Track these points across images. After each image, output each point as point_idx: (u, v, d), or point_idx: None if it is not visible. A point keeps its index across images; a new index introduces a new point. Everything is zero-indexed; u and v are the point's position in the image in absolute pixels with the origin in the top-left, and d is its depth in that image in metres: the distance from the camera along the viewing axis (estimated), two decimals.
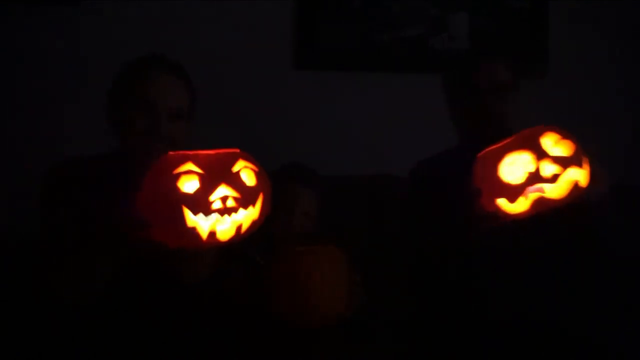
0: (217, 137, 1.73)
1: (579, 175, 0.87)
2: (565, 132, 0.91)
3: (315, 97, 1.81)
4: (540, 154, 0.87)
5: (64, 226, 1.06)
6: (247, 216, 0.82)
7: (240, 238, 0.82)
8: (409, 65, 1.86)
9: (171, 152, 0.86)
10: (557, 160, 0.87)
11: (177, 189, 0.78)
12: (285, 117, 1.77)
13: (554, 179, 0.86)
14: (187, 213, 0.77)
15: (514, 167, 0.88)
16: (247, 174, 0.83)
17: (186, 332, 1.02)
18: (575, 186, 0.87)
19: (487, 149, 0.93)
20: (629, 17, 1.90)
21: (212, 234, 0.79)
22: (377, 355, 1.04)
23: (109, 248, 0.90)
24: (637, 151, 1.86)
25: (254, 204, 0.82)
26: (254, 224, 0.83)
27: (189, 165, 0.80)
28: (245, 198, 0.80)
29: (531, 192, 0.87)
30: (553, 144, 0.89)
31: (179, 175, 0.79)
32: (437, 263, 1.12)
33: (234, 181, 0.81)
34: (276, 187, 1.27)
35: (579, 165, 0.88)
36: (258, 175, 0.84)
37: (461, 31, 1.86)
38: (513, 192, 0.87)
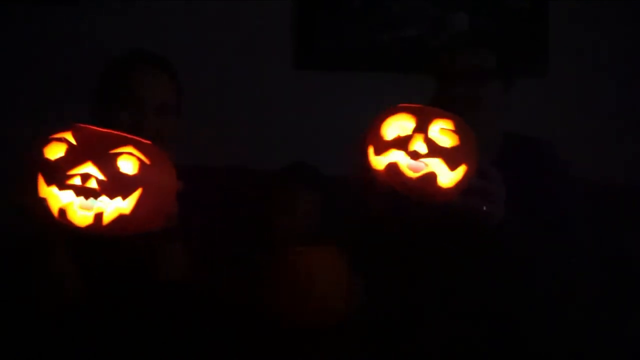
0: (217, 137, 1.74)
1: (440, 170, 0.81)
2: (463, 131, 0.84)
3: (315, 97, 1.81)
4: (421, 129, 0.82)
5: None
6: (113, 208, 0.72)
7: (104, 231, 0.73)
8: (409, 65, 1.85)
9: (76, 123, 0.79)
10: (430, 143, 0.81)
11: (40, 153, 0.72)
12: (285, 117, 1.78)
13: (414, 155, 0.81)
14: (41, 181, 0.71)
15: (397, 126, 0.86)
16: (129, 161, 0.74)
17: (178, 332, 1.02)
18: (431, 178, 0.80)
19: (398, 105, 0.91)
20: (629, 17, 1.90)
21: (62, 212, 0.71)
22: (377, 355, 1.04)
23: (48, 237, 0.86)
24: (637, 151, 1.86)
25: (124, 196, 0.72)
26: (122, 219, 0.73)
27: (66, 134, 0.74)
28: (114, 185, 0.71)
29: (391, 156, 0.84)
30: (441, 130, 0.83)
31: (50, 140, 0.73)
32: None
33: (107, 163, 0.72)
34: (277, 187, 1.27)
35: (452, 166, 0.81)
36: (144, 167, 0.74)
37: (461, 31, 1.86)
38: (380, 146, 0.85)
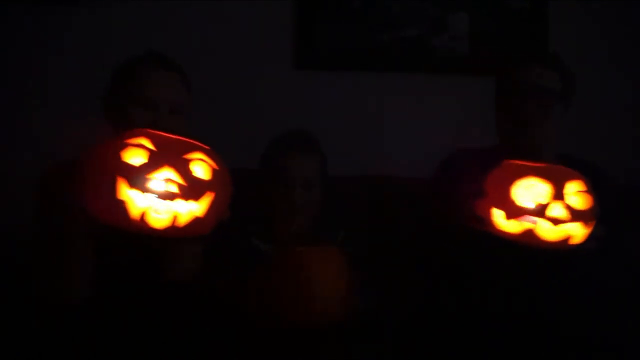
0: (217, 137, 1.74)
1: (578, 232, 0.87)
2: (590, 188, 0.90)
3: (315, 97, 1.81)
4: (558, 194, 0.87)
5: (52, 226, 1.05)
6: (188, 210, 0.76)
7: (178, 233, 0.77)
8: (409, 65, 1.86)
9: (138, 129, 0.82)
10: (570, 208, 0.86)
11: (118, 157, 0.74)
12: (285, 117, 1.77)
13: (555, 222, 0.86)
14: (122, 184, 0.73)
15: (528, 190, 0.87)
16: (202, 167, 0.79)
17: (179, 332, 1.02)
18: (566, 240, 0.87)
19: (517, 161, 0.93)
20: (629, 17, 1.90)
21: (143, 216, 0.74)
22: (377, 355, 1.04)
23: (81, 234, 0.88)
24: (637, 151, 1.86)
25: (197, 199, 0.77)
26: (195, 221, 0.77)
27: (143, 140, 0.77)
28: (190, 189, 0.75)
29: (527, 221, 0.87)
30: (575, 191, 0.89)
31: (127, 145, 0.76)
32: (445, 263, 1.13)
33: (182, 168, 0.76)
34: (270, 161, 1.25)
35: (585, 223, 0.87)
36: (215, 173, 0.79)
37: (461, 31, 1.86)
38: (513, 211, 0.87)
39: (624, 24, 1.90)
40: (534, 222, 0.87)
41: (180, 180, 0.75)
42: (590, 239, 0.89)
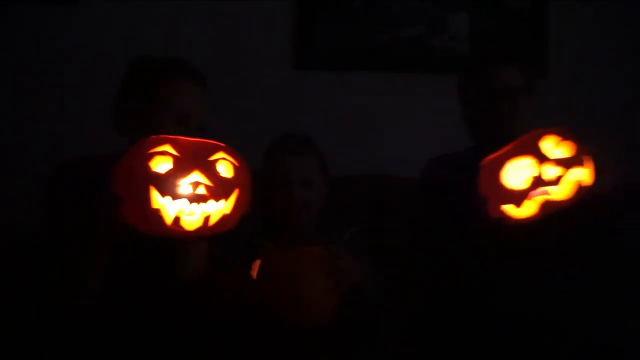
0: (217, 137, 1.74)
1: (583, 174, 0.88)
2: (564, 133, 0.91)
3: (315, 97, 1.81)
4: (542, 158, 0.88)
5: (69, 226, 1.05)
6: (218, 209, 0.79)
7: (209, 232, 0.80)
8: (409, 65, 1.86)
9: (153, 136, 0.83)
10: (559, 162, 0.88)
11: (147, 167, 0.76)
12: (285, 117, 1.77)
13: (557, 181, 0.87)
14: (154, 193, 0.75)
15: (518, 172, 0.89)
16: (225, 166, 0.81)
17: (185, 331, 1.02)
18: (580, 186, 0.88)
19: (489, 157, 0.94)
20: (629, 17, 1.90)
21: (176, 220, 0.76)
22: (378, 355, 1.04)
23: (102, 237, 0.89)
24: (637, 151, 1.86)
25: (226, 198, 0.79)
26: (225, 219, 0.80)
27: (166, 147, 0.78)
28: (219, 189, 0.78)
29: (536, 195, 0.88)
30: (553, 146, 0.90)
31: (153, 154, 0.77)
32: (445, 264, 1.15)
33: (209, 169, 0.79)
34: (269, 163, 1.26)
35: (581, 164, 0.88)
36: (237, 170, 0.82)
37: (461, 31, 1.86)
38: (518, 197, 0.88)
39: (624, 23, 1.90)
40: (544, 192, 0.88)
41: (208, 182, 0.77)
42: (597, 174, 0.90)
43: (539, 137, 0.90)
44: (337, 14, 1.83)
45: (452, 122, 1.52)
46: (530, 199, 0.88)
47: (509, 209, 0.89)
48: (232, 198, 0.80)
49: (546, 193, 0.88)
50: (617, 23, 1.90)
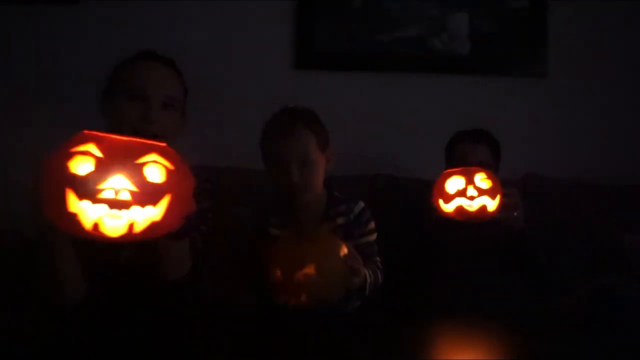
0: (217, 137, 1.74)
1: (489, 203, 1.32)
2: (492, 176, 1.34)
3: (315, 97, 1.80)
4: (470, 181, 1.33)
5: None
6: (145, 216, 0.73)
7: (135, 239, 0.74)
8: (409, 65, 1.86)
9: (86, 131, 0.78)
10: (478, 188, 1.32)
11: (65, 168, 0.70)
12: None
13: (471, 198, 1.32)
14: (71, 196, 0.70)
15: (454, 183, 1.34)
16: (157, 169, 0.75)
17: (174, 327, 1.02)
18: (484, 208, 1.32)
19: (448, 170, 1.37)
20: (628, 16, 1.90)
21: (96, 226, 0.71)
22: (378, 353, 1.04)
23: (47, 239, 0.87)
24: (637, 151, 1.86)
25: (154, 204, 0.73)
26: (153, 226, 0.74)
27: (89, 146, 0.73)
28: (145, 195, 0.72)
29: (456, 201, 1.32)
30: (481, 178, 1.33)
31: (73, 154, 0.72)
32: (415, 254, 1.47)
33: (135, 173, 0.73)
34: (265, 145, 1.26)
35: (492, 197, 1.32)
36: (171, 173, 0.76)
37: (461, 31, 1.86)
38: (446, 197, 1.34)
39: (624, 24, 1.90)
40: (460, 202, 1.32)
41: (133, 187, 0.72)
42: (503, 208, 1.33)
43: (476, 171, 1.33)
44: (337, 15, 1.83)
45: (452, 122, 1.53)
46: (451, 200, 1.33)
47: (440, 203, 1.34)
48: (162, 204, 0.74)
49: (462, 202, 1.32)
50: (617, 23, 1.90)
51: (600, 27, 1.90)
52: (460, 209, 1.31)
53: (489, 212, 1.32)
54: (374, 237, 1.24)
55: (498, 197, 1.32)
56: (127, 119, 1.09)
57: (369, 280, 1.11)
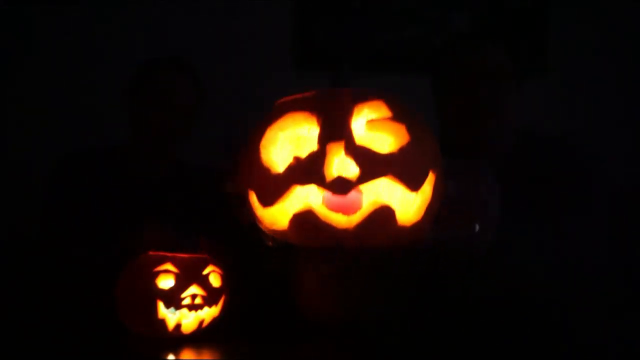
0: (216, 136, 1.74)
1: (400, 198, 0.68)
2: (408, 116, 0.79)
3: None
4: (333, 132, 0.66)
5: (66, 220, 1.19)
6: (209, 313, 0.97)
7: (201, 333, 0.96)
8: (409, 65, 1.86)
9: (151, 253, 0.97)
10: (359, 152, 0.63)
11: (155, 285, 0.93)
12: None
13: (338, 185, 0.61)
14: (160, 306, 0.92)
15: (289, 141, 0.88)
16: (214, 277, 0.98)
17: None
18: (337, 229, 0.66)
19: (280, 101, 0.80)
20: (628, 16, 1.90)
21: (177, 326, 0.93)
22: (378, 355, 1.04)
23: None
24: (637, 151, 1.86)
25: (216, 304, 0.98)
26: (214, 320, 0.98)
27: (167, 266, 0.95)
28: (211, 298, 0.96)
29: (295, 200, 0.78)
30: (369, 124, 0.77)
31: (158, 273, 0.94)
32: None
33: (203, 282, 0.96)
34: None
35: (409, 181, 0.64)
36: (223, 277, 0.99)
37: (461, 31, 1.86)
38: (270, 188, 0.78)
39: (624, 23, 1.90)
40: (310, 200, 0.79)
41: (203, 293, 0.95)
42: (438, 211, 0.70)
43: (352, 96, 0.74)
44: (337, 14, 1.83)
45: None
46: (283, 199, 0.81)
47: (254, 203, 0.86)
48: (221, 302, 0.98)
49: None
50: (617, 23, 1.90)
51: (601, 27, 1.90)
52: (306, 220, 0.58)
53: (402, 227, 0.74)
54: None
55: (430, 183, 0.62)
56: (149, 124, 1.25)
57: None
